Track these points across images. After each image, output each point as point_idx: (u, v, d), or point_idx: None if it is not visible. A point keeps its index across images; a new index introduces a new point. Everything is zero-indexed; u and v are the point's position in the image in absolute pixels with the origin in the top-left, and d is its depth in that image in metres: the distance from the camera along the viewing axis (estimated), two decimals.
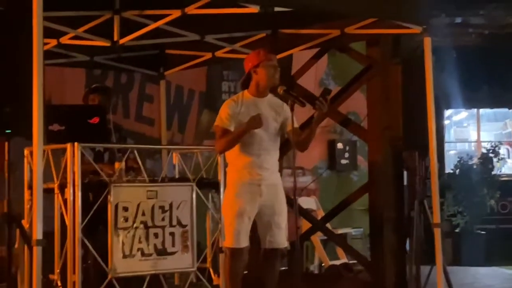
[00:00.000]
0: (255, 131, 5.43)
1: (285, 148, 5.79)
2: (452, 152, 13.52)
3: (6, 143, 4.82)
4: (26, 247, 5.84)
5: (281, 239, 5.59)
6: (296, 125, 5.52)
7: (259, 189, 5.47)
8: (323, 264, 8.84)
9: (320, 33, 6.99)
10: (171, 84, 9.01)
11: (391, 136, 7.03)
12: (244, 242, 5.45)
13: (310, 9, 5.75)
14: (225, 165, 5.83)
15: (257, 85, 5.56)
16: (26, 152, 5.99)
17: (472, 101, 12.45)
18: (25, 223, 5.66)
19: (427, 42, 6.15)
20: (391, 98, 7.00)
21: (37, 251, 4.57)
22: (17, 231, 5.14)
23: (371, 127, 7.25)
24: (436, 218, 6.11)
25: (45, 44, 4.81)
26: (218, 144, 5.53)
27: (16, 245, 5.51)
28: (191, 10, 6.01)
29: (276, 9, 5.61)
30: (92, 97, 6.76)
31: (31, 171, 5.91)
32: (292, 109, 5.40)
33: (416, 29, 6.24)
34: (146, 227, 6.11)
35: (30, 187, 6.00)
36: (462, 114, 13.87)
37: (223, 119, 5.49)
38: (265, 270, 5.66)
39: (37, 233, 4.55)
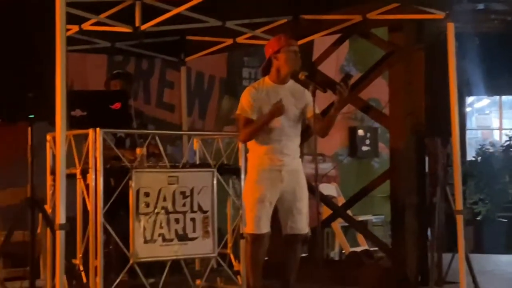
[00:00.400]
0: (276, 120, 5.42)
1: (306, 134, 5.78)
2: (474, 139, 13.45)
3: (29, 128, 4.83)
4: (48, 231, 5.89)
5: (302, 225, 5.58)
6: (317, 111, 5.51)
7: (280, 175, 5.47)
8: (343, 251, 8.82)
9: (342, 18, 6.95)
10: (192, 70, 9.01)
11: (413, 122, 6.99)
12: (265, 228, 5.45)
13: None
14: (246, 151, 5.83)
15: (277, 71, 5.54)
16: (48, 137, 6.02)
17: (494, 88, 12.37)
18: (47, 208, 5.69)
19: (450, 28, 6.10)
20: (413, 84, 6.96)
21: (60, 235, 4.60)
22: (40, 215, 5.16)
23: (393, 114, 7.21)
24: (459, 205, 6.07)
25: (67, 30, 4.80)
26: (242, 134, 5.53)
27: (38, 230, 5.54)
28: None
29: None
30: (113, 83, 6.77)
31: (53, 156, 5.95)
32: (313, 95, 5.39)
33: (439, 15, 6.19)
34: (167, 212, 6.13)
35: (53, 173, 6.04)
36: (484, 101, 13.78)
37: (245, 108, 5.48)
38: (286, 256, 5.66)
39: (61, 218, 4.58)
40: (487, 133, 14.14)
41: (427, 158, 7.32)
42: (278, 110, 5.34)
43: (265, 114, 5.40)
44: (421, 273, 6.93)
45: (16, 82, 4.71)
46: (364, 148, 10.65)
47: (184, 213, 6.22)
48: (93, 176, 5.77)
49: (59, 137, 4.68)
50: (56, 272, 4.65)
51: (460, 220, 6.05)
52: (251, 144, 5.58)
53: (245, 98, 5.52)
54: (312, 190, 5.91)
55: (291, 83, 5.60)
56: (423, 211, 7.02)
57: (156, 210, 6.06)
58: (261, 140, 5.50)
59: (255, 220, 5.43)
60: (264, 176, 5.46)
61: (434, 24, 7.05)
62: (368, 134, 10.65)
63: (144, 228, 6.00)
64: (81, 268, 5.90)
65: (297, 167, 5.59)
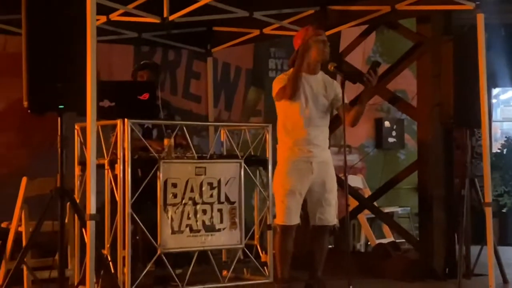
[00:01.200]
0: (305, 108, 5.42)
1: (333, 125, 5.77)
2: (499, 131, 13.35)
3: (59, 119, 4.84)
4: (76, 221, 5.92)
5: (331, 216, 5.58)
6: (346, 101, 5.51)
7: (311, 166, 5.47)
8: (369, 243, 8.80)
9: (369, 9, 6.92)
10: (218, 61, 9.00)
11: (441, 113, 6.94)
12: (295, 220, 5.46)
13: None
14: (274, 143, 5.82)
15: (307, 62, 5.54)
16: (77, 127, 6.04)
17: None
18: (75, 198, 5.71)
19: (480, 19, 6.04)
20: (442, 75, 6.90)
21: (90, 225, 4.61)
22: (68, 205, 5.18)
23: (421, 105, 7.17)
24: (488, 197, 6.03)
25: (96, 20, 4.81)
26: (286, 88, 5.46)
27: (66, 220, 5.56)
28: None
29: None
30: (141, 74, 6.77)
31: (81, 146, 5.97)
32: (343, 86, 5.39)
33: (469, 5, 6.15)
34: (195, 203, 6.14)
35: (81, 163, 6.06)
36: (509, 93, 13.66)
37: (280, 85, 5.48)
38: (313, 247, 5.67)
39: (91, 208, 4.60)
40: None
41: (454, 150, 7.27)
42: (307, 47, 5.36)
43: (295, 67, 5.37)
44: (448, 265, 6.89)
45: (46, 72, 4.71)
46: (390, 140, 10.59)
47: (211, 204, 6.23)
48: (121, 167, 5.78)
49: (89, 127, 4.69)
50: (87, 262, 4.67)
51: (489, 212, 6.01)
52: (281, 135, 5.58)
53: (279, 82, 5.54)
54: (340, 182, 5.90)
55: (320, 74, 5.61)
56: (452, 202, 6.97)
57: (183, 201, 6.07)
58: (290, 131, 5.50)
59: (286, 212, 5.44)
60: (294, 168, 5.45)
61: (460, 15, 7.00)
62: (395, 126, 10.60)
63: (172, 219, 6.01)
64: (109, 258, 5.92)
65: (327, 159, 5.59)
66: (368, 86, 5.36)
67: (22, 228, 6.42)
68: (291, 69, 5.56)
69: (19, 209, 6.44)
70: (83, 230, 4.90)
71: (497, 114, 13.58)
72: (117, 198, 5.83)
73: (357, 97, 5.76)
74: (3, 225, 6.71)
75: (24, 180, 6.45)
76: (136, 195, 5.82)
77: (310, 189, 5.51)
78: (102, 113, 5.78)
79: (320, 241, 5.65)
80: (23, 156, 7.63)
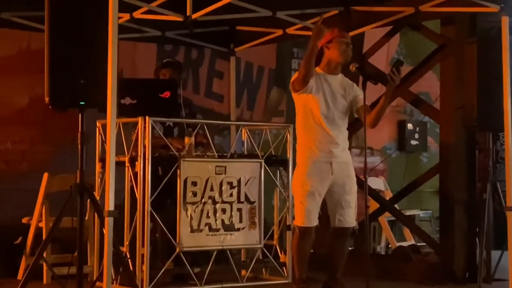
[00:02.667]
0: (325, 106, 5.41)
1: (354, 127, 5.74)
2: None
3: (80, 115, 4.86)
4: (96, 218, 5.94)
5: (351, 218, 5.56)
6: (367, 103, 5.48)
7: (330, 167, 5.44)
8: (389, 245, 8.76)
9: (393, 10, 6.88)
10: (241, 61, 9.00)
11: (464, 117, 6.88)
12: (314, 221, 5.44)
13: None
14: (295, 143, 5.80)
15: (328, 61, 5.55)
16: (98, 124, 6.06)
17: None
18: (95, 195, 5.73)
19: (505, 21, 5.99)
20: (465, 78, 6.85)
21: (108, 222, 4.62)
22: (88, 202, 5.20)
23: (444, 107, 7.11)
24: (510, 201, 5.96)
25: (118, 18, 4.82)
26: (297, 77, 5.44)
27: (86, 217, 5.58)
28: None
29: None
30: (163, 72, 6.78)
31: (102, 143, 5.99)
32: (364, 87, 5.36)
33: (493, 8, 6.09)
34: (214, 202, 6.14)
35: (102, 160, 6.08)
36: None
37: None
38: (333, 249, 5.65)
39: (109, 204, 4.61)
40: None
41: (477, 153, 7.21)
42: (318, 30, 5.23)
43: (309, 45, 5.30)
44: (469, 269, 6.84)
45: (68, 69, 4.72)
46: (413, 142, 10.54)
47: (231, 203, 6.23)
48: (142, 164, 5.79)
49: (110, 124, 4.70)
50: (104, 258, 4.68)
51: (510, 217, 5.95)
52: (300, 134, 5.57)
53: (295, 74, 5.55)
54: (360, 183, 5.87)
55: (340, 76, 5.62)
56: (473, 207, 6.92)
57: (203, 200, 6.07)
58: (310, 130, 5.48)
59: (305, 213, 5.42)
60: (314, 168, 5.44)
61: (486, 18, 6.94)
62: (417, 128, 10.54)
63: (191, 218, 6.01)
64: (128, 255, 5.93)
65: (346, 159, 5.57)
66: (392, 85, 5.33)
67: (42, 224, 6.46)
68: None
69: (39, 205, 6.49)
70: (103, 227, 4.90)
71: None
72: (137, 196, 5.84)
73: (378, 99, 5.73)
74: (24, 220, 6.76)
75: (45, 176, 6.49)
76: (156, 193, 5.83)
77: (330, 190, 5.48)
78: (123, 111, 5.81)
79: (340, 243, 5.62)
80: (45, 152, 7.67)
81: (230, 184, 6.21)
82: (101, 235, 5.05)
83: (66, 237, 5.33)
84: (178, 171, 5.95)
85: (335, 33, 5.52)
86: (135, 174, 5.89)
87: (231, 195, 6.22)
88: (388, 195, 8.93)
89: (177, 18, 6.51)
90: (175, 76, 6.73)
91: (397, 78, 5.28)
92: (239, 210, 6.26)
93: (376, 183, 9.02)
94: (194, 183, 6.05)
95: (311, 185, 5.41)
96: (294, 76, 5.52)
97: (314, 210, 5.42)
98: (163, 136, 6.07)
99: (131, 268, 5.81)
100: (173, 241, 5.94)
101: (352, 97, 5.58)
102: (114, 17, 4.69)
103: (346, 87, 5.61)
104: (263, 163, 6.34)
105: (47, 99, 4.71)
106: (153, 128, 5.86)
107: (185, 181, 6.00)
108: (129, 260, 5.86)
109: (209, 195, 6.11)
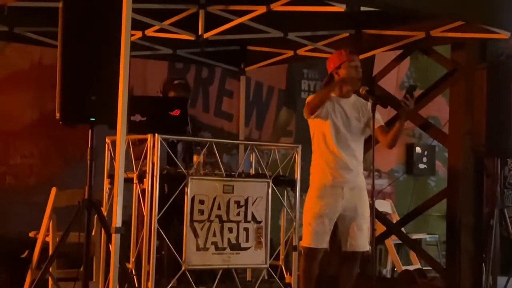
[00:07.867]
0: (337, 131, 5.42)
1: (365, 147, 5.75)
2: None
3: (90, 131, 4.88)
4: (103, 234, 5.94)
5: (363, 242, 5.54)
6: (382, 123, 5.50)
7: (341, 191, 5.45)
8: (395, 269, 8.73)
9: (404, 34, 6.91)
10: (251, 80, 9.04)
11: (472, 142, 6.89)
12: (321, 244, 5.44)
13: (397, 9, 5.66)
14: (303, 163, 5.80)
15: (340, 86, 5.54)
16: (107, 140, 6.07)
17: None
18: (103, 211, 5.74)
19: None
20: (475, 104, 6.86)
21: (115, 238, 4.63)
22: (95, 217, 5.21)
23: (453, 132, 7.12)
24: None
25: (131, 35, 4.85)
26: (308, 105, 5.48)
27: (93, 233, 5.59)
28: (277, 6, 5.99)
29: (361, 8, 5.57)
30: (171, 92, 6.78)
31: (111, 159, 6.00)
32: (373, 110, 5.36)
33: (504, 34, 6.12)
34: (221, 221, 6.11)
35: (110, 176, 6.09)
36: None
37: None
38: (342, 272, 5.63)
39: (117, 221, 4.62)
40: None
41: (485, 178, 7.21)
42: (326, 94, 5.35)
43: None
44: None
45: (79, 85, 4.75)
46: (421, 166, 10.55)
47: (237, 222, 6.21)
48: (150, 182, 5.79)
49: (119, 141, 4.72)
50: (110, 274, 4.68)
51: None
52: (315, 157, 5.58)
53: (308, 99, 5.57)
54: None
55: (354, 97, 5.62)
56: (480, 232, 6.90)
57: (210, 218, 6.06)
58: (323, 155, 5.49)
59: (312, 234, 5.42)
60: (325, 192, 5.45)
61: (495, 43, 6.97)
62: (426, 152, 10.55)
63: (198, 236, 6.00)
64: (133, 272, 5.93)
65: (360, 184, 5.56)
66: (405, 109, 5.37)
67: (49, 238, 6.46)
68: None
69: (47, 219, 6.49)
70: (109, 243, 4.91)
71: None
72: (144, 213, 5.84)
73: (390, 120, 5.74)
74: (31, 234, 6.76)
75: (53, 190, 6.50)
76: (163, 210, 5.83)
77: (341, 214, 5.48)
78: (133, 127, 5.83)
79: (349, 267, 5.60)
80: (54, 166, 7.70)
81: (237, 203, 6.20)
82: (108, 251, 5.05)
83: (72, 252, 5.33)
84: (186, 189, 5.95)
85: (343, 57, 5.52)
86: (143, 191, 5.89)
87: (238, 214, 6.20)
88: (395, 218, 8.92)
89: (189, 37, 6.55)
90: (183, 95, 6.75)
91: (411, 103, 5.29)
92: (246, 229, 6.24)
93: (383, 205, 9.01)
94: (201, 201, 6.03)
95: (320, 208, 5.41)
96: (308, 99, 5.53)
97: (321, 233, 5.42)
98: (171, 152, 6.06)
99: (137, 285, 5.80)
100: (179, 259, 5.93)
101: (366, 118, 5.58)
102: (127, 35, 4.72)
103: (360, 108, 5.61)
104: (270, 183, 6.33)
105: (58, 114, 4.73)
106: (161, 145, 5.87)
107: (193, 199, 5.99)
108: (134, 277, 5.85)
109: (216, 214, 6.09)
